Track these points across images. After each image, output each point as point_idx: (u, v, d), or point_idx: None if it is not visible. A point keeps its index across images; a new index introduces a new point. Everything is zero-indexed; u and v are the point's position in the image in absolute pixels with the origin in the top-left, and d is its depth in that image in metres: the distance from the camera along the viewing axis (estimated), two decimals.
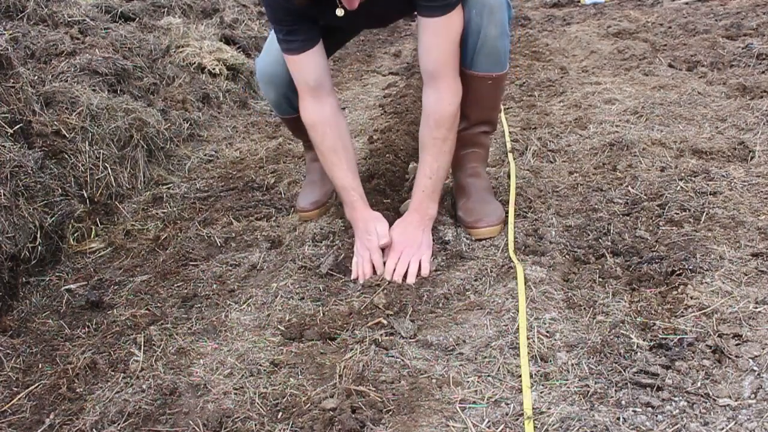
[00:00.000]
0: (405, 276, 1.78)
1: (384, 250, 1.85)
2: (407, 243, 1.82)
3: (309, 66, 1.83)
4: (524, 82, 3.75)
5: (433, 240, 1.93)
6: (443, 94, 1.77)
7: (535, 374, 1.36)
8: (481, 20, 1.76)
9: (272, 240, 2.12)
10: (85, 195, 2.35)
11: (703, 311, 1.47)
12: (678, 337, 1.40)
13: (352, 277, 1.83)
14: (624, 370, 1.33)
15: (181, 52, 3.82)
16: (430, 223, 1.89)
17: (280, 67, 1.96)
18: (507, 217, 2.01)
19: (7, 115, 2.14)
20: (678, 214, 1.94)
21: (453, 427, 1.25)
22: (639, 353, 1.38)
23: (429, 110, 1.80)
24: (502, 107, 3.22)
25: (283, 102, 2.10)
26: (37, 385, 1.51)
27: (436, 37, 1.73)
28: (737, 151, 2.35)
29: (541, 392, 1.31)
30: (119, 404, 1.38)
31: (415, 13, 1.77)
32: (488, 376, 1.38)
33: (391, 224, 1.89)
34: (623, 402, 1.25)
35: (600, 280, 1.69)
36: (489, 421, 1.25)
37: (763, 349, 1.33)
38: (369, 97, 4.00)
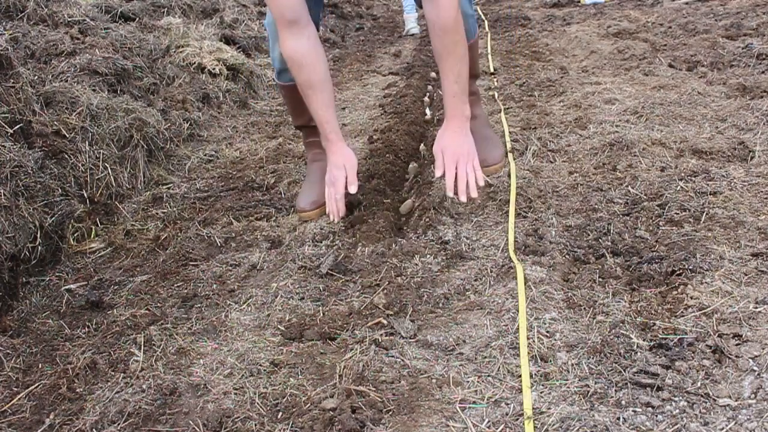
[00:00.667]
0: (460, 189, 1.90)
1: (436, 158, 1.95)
2: (459, 151, 1.89)
3: None
4: (524, 82, 3.75)
5: (433, 240, 1.95)
6: (442, 2, 1.83)
7: (535, 374, 1.36)
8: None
9: (272, 240, 2.12)
10: (85, 195, 2.35)
11: (703, 311, 1.47)
12: (678, 337, 1.40)
13: (326, 212, 2.00)
14: (624, 370, 1.33)
15: (181, 52, 3.82)
16: (468, 123, 1.96)
17: None
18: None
19: (7, 115, 2.14)
20: (678, 214, 1.94)
21: (453, 427, 1.25)
22: (639, 353, 1.38)
23: (432, 21, 1.86)
24: (502, 106, 3.23)
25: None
26: (37, 385, 1.51)
27: None
28: (737, 151, 2.35)
29: (541, 392, 1.31)
30: (119, 404, 1.38)
31: None
32: (488, 376, 1.38)
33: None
34: (623, 402, 1.25)
35: (600, 280, 1.69)
36: (489, 421, 1.25)
37: (763, 349, 1.33)
38: (369, 97, 4.00)
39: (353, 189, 1.96)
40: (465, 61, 1.93)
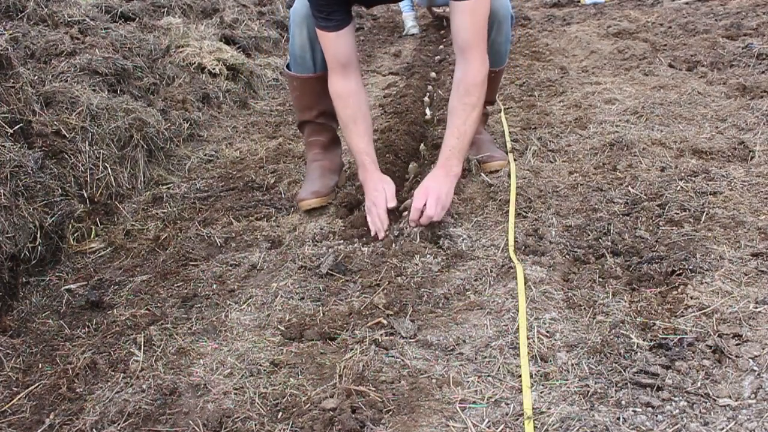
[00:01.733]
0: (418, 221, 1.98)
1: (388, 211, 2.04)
2: (434, 190, 1.97)
3: (341, 45, 2.04)
4: (524, 82, 3.75)
5: (432, 240, 1.96)
6: (473, 65, 1.98)
7: (535, 374, 1.36)
8: (491, 32, 2.15)
9: (272, 240, 2.12)
10: (85, 195, 2.35)
11: (703, 311, 1.47)
12: (678, 337, 1.40)
13: (372, 233, 2.02)
14: (624, 370, 1.33)
15: (181, 52, 3.82)
16: (455, 180, 2.06)
17: None
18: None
19: (7, 115, 2.14)
20: (678, 214, 1.94)
21: (453, 427, 1.25)
22: (639, 353, 1.38)
23: (459, 80, 2.01)
24: (502, 106, 3.23)
25: (308, 52, 2.21)
26: (37, 385, 1.51)
27: (465, 18, 1.95)
28: (737, 151, 2.35)
29: (541, 392, 1.31)
30: (119, 404, 1.38)
31: None
32: (488, 376, 1.38)
33: (398, 189, 2.11)
34: (623, 402, 1.25)
35: (600, 280, 1.69)
36: (489, 421, 1.25)
37: (763, 349, 1.33)
38: (369, 97, 4.00)
39: (392, 204, 2.03)
40: (475, 123, 2.04)
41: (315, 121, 2.37)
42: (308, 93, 2.29)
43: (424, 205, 1.94)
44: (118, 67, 3.03)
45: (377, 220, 2.02)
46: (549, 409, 1.25)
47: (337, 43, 2.04)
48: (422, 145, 2.76)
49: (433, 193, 1.95)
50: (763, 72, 3.23)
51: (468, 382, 1.37)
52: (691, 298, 1.53)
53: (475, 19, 1.94)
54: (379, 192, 2.04)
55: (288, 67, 2.35)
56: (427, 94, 3.75)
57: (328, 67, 2.11)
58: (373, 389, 1.36)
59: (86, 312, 1.82)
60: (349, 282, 1.82)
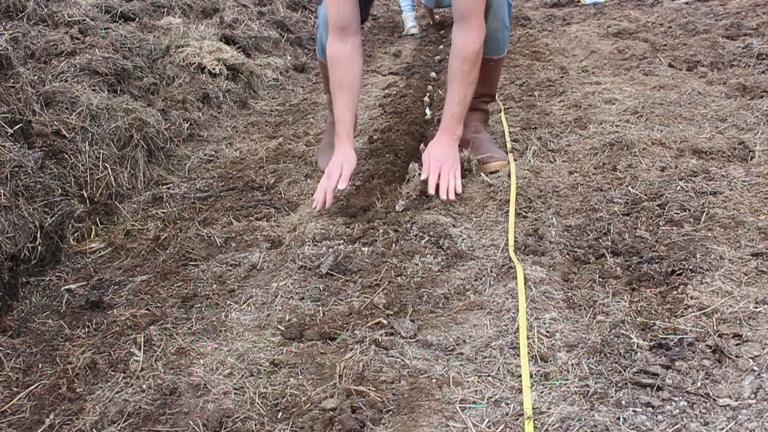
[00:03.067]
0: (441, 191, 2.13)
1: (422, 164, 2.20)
2: (443, 160, 2.13)
3: (342, 7, 2.17)
4: (524, 82, 3.74)
5: (433, 241, 1.96)
6: (471, 33, 2.09)
7: (535, 374, 1.36)
8: (486, 16, 2.17)
9: (272, 240, 2.12)
10: (85, 195, 2.35)
11: (703, 311, 1.48)
12: (678, 337, 1.40)
13: (313, 204, 2.17)
14: (624, 370, 1.33)
15: (181, 52, 3.82)
16: (457, 141, 2.23)
17: None
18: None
19: (7, 115, 2.14)
20: (678, 214, 1.94)
21: (453, 427, 1.25)
22: (639, 353, 1.38)
23: (458, 46, 2.12)
24: (502, 106, 3.23)
25: None
26: (37, 385, 1.51)
27: None
28: (737, 151, 2.35)
29: (541, 392, 1.31)
30: (119, 404, 1.38)
31: None
32: (488, 376, 1.38)
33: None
34: (623, 402, 1.25)
35: (600, 280, 1.69)
36: (489, 421, 1.25)
37: (763, 349, 1.33)
38: (369, 97, 4.00)
39: (342, 185, 2.15)
40: (472, 88, 2.18)
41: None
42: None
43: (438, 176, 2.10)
44: (118, 67, 3.03)
45: (322, 195, 2.15)
46: (549, 409, 1.25)
47: (338, 5, 2.17)
48: (422, 145, 2.76)
49: (445, 163, 2.13)
50: (763, 72, 3.23)
51: (468, 382, 1.37)
52: (691, 298, 1.53)
53: None
54: (337, 167, 2.16)
55: (317, 53, 2.62)
56: (427, 94, 3.75)
57: (329, 29, 2.22)
58: (373, 389, 1.36)
59: (86, 312, 1.82)
60: (349, 282, 1.82)
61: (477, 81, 2.19)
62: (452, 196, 2.10)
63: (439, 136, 2.21)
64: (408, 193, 2.24)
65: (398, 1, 6.49)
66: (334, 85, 2.22)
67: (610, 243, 1.84)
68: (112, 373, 1.52)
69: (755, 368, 1.28)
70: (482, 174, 2.41)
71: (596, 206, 2.06)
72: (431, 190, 2.11)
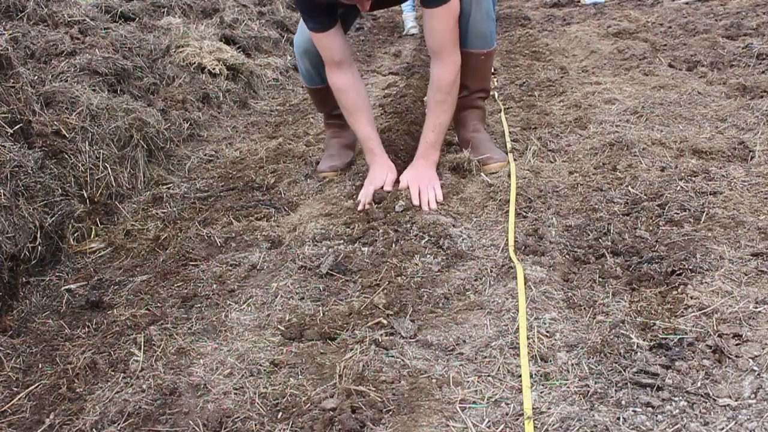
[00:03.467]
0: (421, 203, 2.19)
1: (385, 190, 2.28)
2: (420, 178, 2.23)
3: (330, 43, 2.28)
4: (524, 82, 3.74)
5: (433, 241, 1.96)
6: (444, 66, 2.21)
7: (535, 374, 1.36)
8: (470, 8, 2.23)
9: (272, 240, 2.12)
10: (85, 195, 2.35)
11: (703, 311, 1.47)
12: (678, 337, 1.40)
13: (357, 204, 2.25)
14: (624, 370, 1.33)
15: (181, 52, 3.82)
16: (434, 165, 2.33)
17: (312, 43, 2.38)
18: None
19: (7, 115, 2.14)
20: (678, 214, 1.94)
21: (453, 427, 1.25)
22: (639, 353, 1.38)
23: (434, 78, 2.25)
24: (502, 106, 3.23)
25: (313, 72, 2.56)
26: (37, 385, 1.51)
27: (437, 23, 2.15)
28: (737, 151, 2.35)
29: (541, 392, 1.31)
30: (119, 404, 1.38)
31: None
32: (488, 376, 1.38)
33: (399, 173, 2.32)
34: (623, 402, 1.25)
35: (600, 280, 1.69)
36: (489, 421, 1.25)
37: (763, 349, 1.33)
38: (369, 97, 4.00)
39: (388, 187, 2.28)
40: (449, 117, 2.31)
41: (331, 113, 2.71)
42: (322, 97, 2.64)
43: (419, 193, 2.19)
44: (118, 67, 3.03)
45: (368, 196, 2.25)
46: (549, 409, 1.25)
47: (327, 42, 2.28)
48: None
49: (422, 181, 2.22)
50: (763, 72, 3.23)
51: (468, 382, 1.37)
52: (691, 298, 1.53)
53: (447, 23, 2.15)
54: (383, 174, 2.30)
55: (303, 81, 2.71)
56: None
57: (324, 63, 2.36)
58: (373, 389, 1.36)
59: (86, 312, 1.82)
60: (349, 282, 1.82)
61: (451, 111, 2.31)
62: (433, 206, 2.16)
63: (414, 162, 2.31)
64: (408, 194, 2.24)
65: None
66: (351, 110, 2.37)
67: (610, 243, 1.84)
68: (112, 373, 1.52)
69: (755, 368, 1.28)
70: (482, 174, 2.41)
71: (596, 206, 2.06)
72: (415, 201, 2.18)
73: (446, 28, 2.16)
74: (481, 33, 2.31)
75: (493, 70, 4.13)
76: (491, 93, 3.54)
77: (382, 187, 2.27)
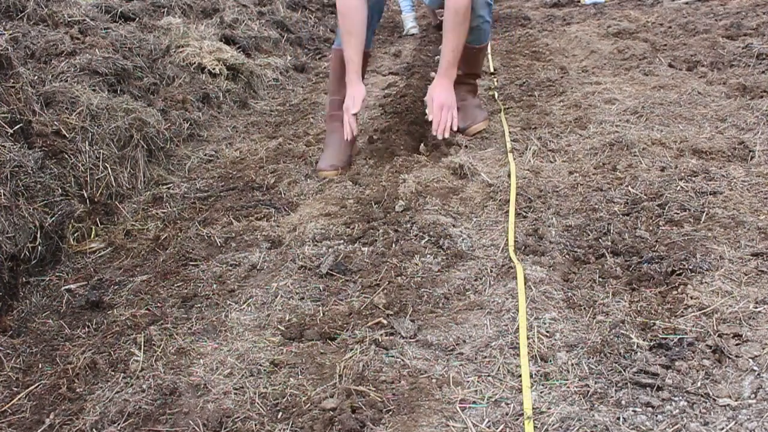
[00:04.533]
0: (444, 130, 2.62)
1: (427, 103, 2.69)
2: (445, 101, 2.61)
3: None
4: (524, 82, 3.74)
5: (433, 241, 1.96)
6: None
7: (535, 374, 1.36)
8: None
9: (272, 240, 2.12)
10: (85, 195, 2.35)
11: (703, 311, 1.48)
12: (678, 337, 1.40)
13: (347, 137, 2.62)
14: (624, 370, 1.33)
15: (181, 52, 3.82)
16: (452, 82, 2.67)
17: None
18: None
19: (7, 115, 2.14)
20: (678, 214, 1.94)
21: (453, 427, 1.25)
22: (639, 353, 1.38)
23: (450, 5, 2.53)
24: (502, 106, 3.23)
25: None
26: (37, 385, 1.51)
27: None
28: (737, 151, 2.35)
29: (541, 392, 1.31)
30: (119, 404, 1.38)
31: None
32: (488, 376, 1.38)
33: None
34: (623, 402, 1.25)
35: (600, 280, 1.69)
36: (489, 421, 1.25)
37: (763, 349, 1.33)
38: (369, 97, 3.99)
39: (354, 111, 2.59)
40: (463, 39, 2.60)
41: (342, 99, 2.76)
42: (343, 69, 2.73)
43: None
44: (118, 67, 3.03)
45: (347, 126, 2.61)
46: (549, 409, 1.25)
47: None
48: (422, 145, 2.76)
49: (445, 106, 2.60)
50: (763, 72, 3.23)
51: (468, 382, 1.37)
52: (691, 298, 1.53)
53: None
54: (350, 99, 2.60)
55: (334, 43, 2.91)
56: (427, 93, 3.74)
57: None
58: (373, 389, 1.36)
59: (86, 312, 1.82)
60: (349, 282, 1.82)
61: (465, 34, 2.62)
62: (447, 134, 2.59)
63: (439, 79, 2.65)
64: (406, 195, 2.24)
65: (398, 1, 6.48)
66: (344, 32, 2.62)
67: (610, 243, 1.84)
68: (112, 373, 1.52)
69: (755, 368, 1.28)
70: (482, 174, 2.41)
71: (596, 206, 2.06)
72: (435, 132, 2.60)
73: None
74: (477, 31, 2.76)
75: (493, 70, 4.14)
76: (491, 93, 3.56)
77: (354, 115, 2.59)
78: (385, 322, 1.59)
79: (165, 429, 1.32)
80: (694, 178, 2.16)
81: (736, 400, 1.21)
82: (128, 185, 2.61)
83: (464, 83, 2.98)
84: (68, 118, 2.47)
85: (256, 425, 1.30)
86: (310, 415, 1.30)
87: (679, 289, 1.58)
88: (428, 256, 1.88)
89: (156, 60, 3.50)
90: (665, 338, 1.40)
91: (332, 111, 2.85)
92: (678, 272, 1.64)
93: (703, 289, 1.55)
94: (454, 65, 2.64)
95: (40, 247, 1.99)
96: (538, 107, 3.22)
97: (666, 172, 2.26)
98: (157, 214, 2.43)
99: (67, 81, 2.74)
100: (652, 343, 1.41)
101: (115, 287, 1.94)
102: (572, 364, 1.37)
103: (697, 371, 1.30)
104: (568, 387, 1.31)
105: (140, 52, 3.37)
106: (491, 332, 1.51)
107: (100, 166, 2.46)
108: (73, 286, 1.97)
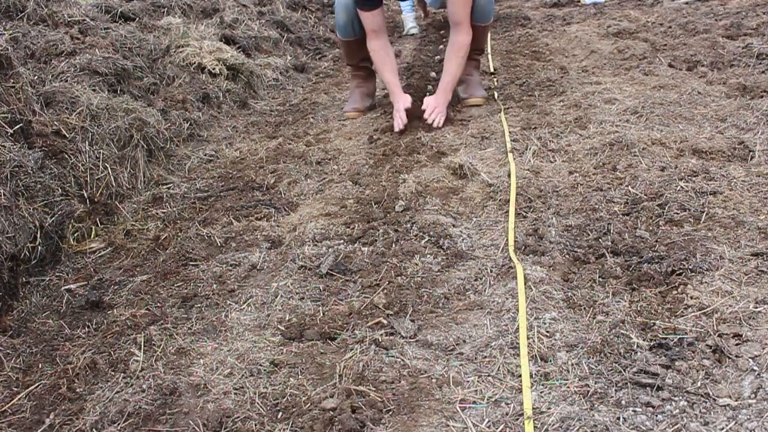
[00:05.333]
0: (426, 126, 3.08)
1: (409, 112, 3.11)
2: (436, 104, 3.09)
3: (375, 19, 3.17)
4: (524, 82, 3.74)
5: (433, 241, 1.96)
6: (464, 33, 3.09)
7: (535, 374, 1.36)
8: None
9: (272, 240, 2.12)
10: (85, 195, 2.35)
11: (703, 311, 1.48)
12: (678, 337, 1.40)
13: (395, 128, 3.06)
14: (624, 370, 1.33)
15: (181, 52, 3.82)
16: (447, 101, 3.15)
17: (352, 1, 3.19)
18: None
19: (7, 115, 2.14)
20: (678, 213, 1.94)
21: (453, 427, 1.25)
22: (639, 353, 1.38)
23: (454, 41, 3.12)
24: (502, 106, 3.23)
25: (349, 25, 3.31)
26: (37, 385, 1.51)
27: (458, 4, 3.03)
28: (737, 151, 2.35)
29: (541, 392, 1.31)
30: (119, 404, 1.38)
31: None
32: (488, 376, 1.38)
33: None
34: (623, 402, 1.25)
35: (600, 280, 1.69)
36: (489, 421, 1.25)
37: (763, 349, 1.33)
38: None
39: (407, 105, 3.08)
40: (461, 69, 3.18)
41: (357, 65, 3.51)
42: (353, 49, 3.43)
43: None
44: (118, 67, 3.03)
45: (398, 119, 3.06)
46: (549, 409, 1.25)
47: (372, 18, 3.16)
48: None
49: (437, 108, 3.08)
50: (763, 72, 3.23)
51: (468, 382, 1.37)
52: (691, 298, 1.53)
53: (465, 3, 3.03)
54: (400, 102, 3.11)
55: (336, 33, 3.53)
56: (428, 93, 3.74)
57: (366, 31, 3.21)
58: (373, 389, 1.36)
59: (86, 312, 1.82)
60: (349, 282, 1.82)
61: (464, 64, 3.16)
62: (436, 124, 3.03)
63: (437, 94, 3.15)
64: (406, 195, 2.24)
65: (398, 1, 6.48)
66: (380, 63, 3.24)
67: (610, 243, 1.84)
68: (112, 373, 1.52)
69: (755, 368, 1.28)
70: (482, 174, 2.41)
71: (596, 206, 2.06)
72: (426, 114, 3.05)
73: (465, 6, 3.04)
74: (482, 11, 3.19)
75: (493, 70, 4.14)
76: (491, 93, 3.57)
77: (406, 110, 3.06)
78: (385, 322, 1.59)
79: (165, 429, 1.32)
80: (694, 178, 2.16)
81: (736, 400, 1.21)
82: (128, 185, 2.61)
83: (470, 58, 3.33)
84: (68, 118, 2.47)
85: (256, 425, 1.30)
86: (310, 415, 1.30)
87: (679, 289, 1.58)
88: (428, 256, 1.88)
89: (156, 60, 3.50)
90: (665, 338, 1.40)
91: (355, 71, 3.57)
92: (678, 272, 1.64)
93: (703, 289, 1.55)
94: (450, 90, 3.17)
95: (40, 247, 1.99)
96: (538, 107, 3.22)
97: (666, 172, 2.26)
98: (157, 214, 2.43)
99: (67, 81, 2.74)
100: (652, 343, 1.41)
101: (115, 287, 1.94)
102: (572, 364, 1.37)
103: (697, 371, 1.30)
104: (568, 387, 1.31)
105: (140, 52, 3.37)
106: (491, 332, 1.51)
107: (100, 166, 2.46)
108: (73, 286, 1.97)
